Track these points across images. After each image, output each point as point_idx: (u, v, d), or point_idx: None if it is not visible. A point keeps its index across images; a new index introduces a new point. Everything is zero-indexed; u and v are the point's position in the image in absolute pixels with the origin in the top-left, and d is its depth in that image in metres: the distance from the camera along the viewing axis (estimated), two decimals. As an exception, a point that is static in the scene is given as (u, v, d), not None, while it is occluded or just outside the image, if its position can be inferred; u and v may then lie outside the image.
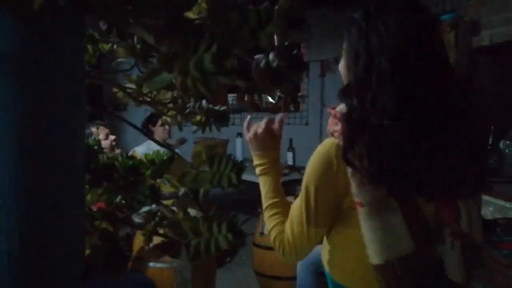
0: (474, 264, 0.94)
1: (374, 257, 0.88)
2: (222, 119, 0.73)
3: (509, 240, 1.91)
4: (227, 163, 0.51)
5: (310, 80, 4.94)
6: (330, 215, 0.99)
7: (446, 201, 0.91)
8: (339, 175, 0.92)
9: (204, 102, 0.72)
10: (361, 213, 0.88)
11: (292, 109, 5.02)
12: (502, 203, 2.14)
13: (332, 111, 0.98)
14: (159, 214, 0.56)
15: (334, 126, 0.94)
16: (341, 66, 1.00)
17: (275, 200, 1.11)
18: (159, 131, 3.26)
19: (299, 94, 4.96)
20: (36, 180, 0.39)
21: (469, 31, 2.27)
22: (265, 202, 1.13)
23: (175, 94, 0.76)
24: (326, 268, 1.14)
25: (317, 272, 2.71)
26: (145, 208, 0.56)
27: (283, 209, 1.09)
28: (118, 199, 0.52)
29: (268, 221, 1.09)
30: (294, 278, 2.79)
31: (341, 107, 0.97)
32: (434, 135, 0.86)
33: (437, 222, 0.90)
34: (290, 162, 3.87)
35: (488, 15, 2.22)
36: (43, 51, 0.39)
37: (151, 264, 2.50)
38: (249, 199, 5.70)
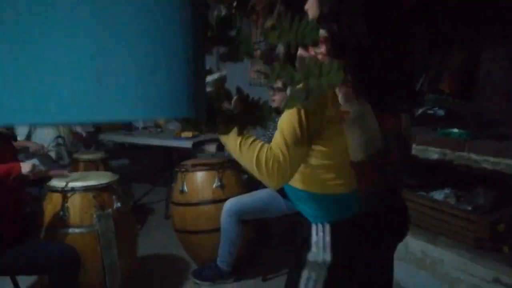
0: (407, 162, 1.21)
1: (357, 154, 1.07)
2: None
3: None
4: (306, 24, 0.57)
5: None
6: (320, 129, 1.08)
7: (393, 113, 1.17)
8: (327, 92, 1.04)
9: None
10: (348, 120, 1.06)
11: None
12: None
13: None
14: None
15: (316, 49, 1.08)
16: (310, 3, 1.11)
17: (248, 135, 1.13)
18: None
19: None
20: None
21: None
22: (237, 142, 1.13)
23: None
24: (301, 186, 1.22)
25: (240, 221, 2.87)
26: (215, 75, 0.59)
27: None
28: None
29: (251, 148, 1.11)
30: (217, 230, 2.84)
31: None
32: (389, 64, 1.08)
33: (388, 128, 1.13)
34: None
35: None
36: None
37: (70, 230, 2.30)
38: (148, 171, 5.53)
